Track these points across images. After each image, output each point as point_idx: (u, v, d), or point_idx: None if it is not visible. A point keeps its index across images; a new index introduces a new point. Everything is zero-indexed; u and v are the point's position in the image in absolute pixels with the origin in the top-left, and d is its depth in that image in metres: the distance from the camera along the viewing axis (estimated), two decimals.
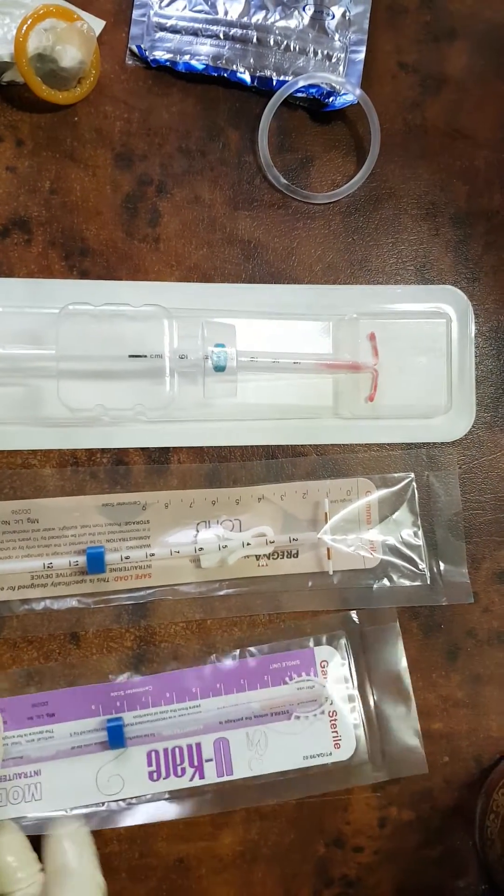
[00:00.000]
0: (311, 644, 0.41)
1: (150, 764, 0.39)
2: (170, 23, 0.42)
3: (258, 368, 0.41)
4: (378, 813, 0.42)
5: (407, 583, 0.42)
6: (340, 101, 0.43)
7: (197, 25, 0.42)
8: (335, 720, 0.41)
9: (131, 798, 0.39)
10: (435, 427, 0.44)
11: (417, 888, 0.42)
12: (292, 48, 0.43)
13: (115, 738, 0.39)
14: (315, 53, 0.43)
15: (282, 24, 0.43)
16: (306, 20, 0.43)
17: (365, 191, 0.44)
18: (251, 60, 0.42)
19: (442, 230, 0.45)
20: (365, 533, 0.42)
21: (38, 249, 0.41)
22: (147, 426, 0.41)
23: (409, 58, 0.45)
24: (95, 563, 0.39)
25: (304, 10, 0.43)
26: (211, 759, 0.40)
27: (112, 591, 0.41)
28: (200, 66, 0.42)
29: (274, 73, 0.42)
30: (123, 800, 0.39)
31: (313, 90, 0.43)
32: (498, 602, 0.44)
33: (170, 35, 0.42)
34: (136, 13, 0.43)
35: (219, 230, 0.43)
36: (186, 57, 0.42)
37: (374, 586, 0.42)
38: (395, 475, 0.43)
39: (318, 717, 0.41)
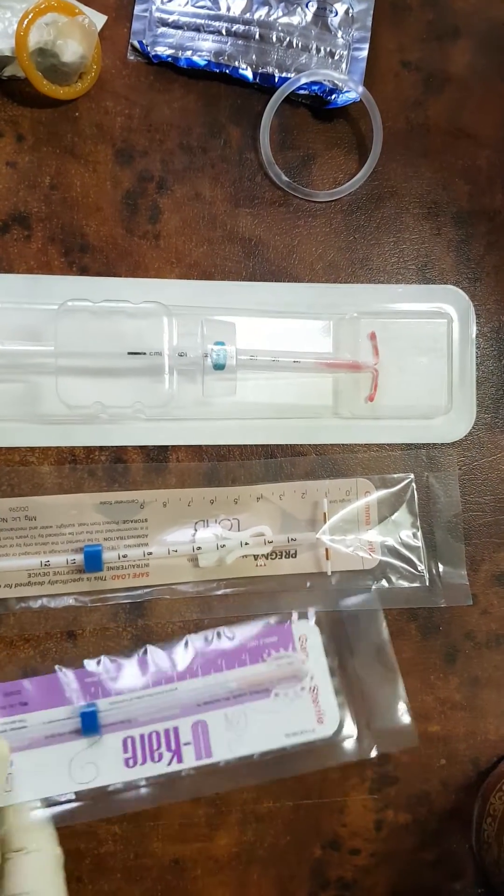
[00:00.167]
0: (293, 619, 0.41)
1: (125, 750, 0.39)
2: (172, 18, 0.42)
3: (258, 367, 0.41)
4: (374, 815, 0.42)
5: (405, 584, 0.42)
6: (343, 99, 0.43)
7: (199, 21, 0.42)
8: (316, 696, 0.40)
9: (106, 786, 0.39)
10: (435, 428, 0.43)
11: (413, 891, 0.42)
12: (295, 45, 0.42)
13: (89, 725, 0.38)
14: (318, 50, 0.43)
15: (284, 20, 0.42)
16: (309, 17, 0.43)
17: (366, 189, 0.44)
18: (253, 57, 0.42)
19: (444, 230, 0.44)
20: (364, 534, 0.42)
21: (38, 245, 0.41)
22: (146, 424, 0.41)
23: (412, 56, 0.45)
24: (93, 561, 0.39)
25: (307, 6, 0.43)
26: (189, 743, 0.39)
27: (109, 589, 0.40)
28: (202, 62, 0.42)
29: (276, 70, 0.42)
30: (97, 788, 0.39)
31: (315, 87, 0.42)
32: (497, 604, 0.43)
33: (172, 30, 0.42)
34: (137, 8, 0.42)
35: (219, 227, 0.43)
36: (188, 53, 0.42)
37: (373, 587, 0.42)
38: (395, 476, 0.43)
39: (298, 693, 0.40)
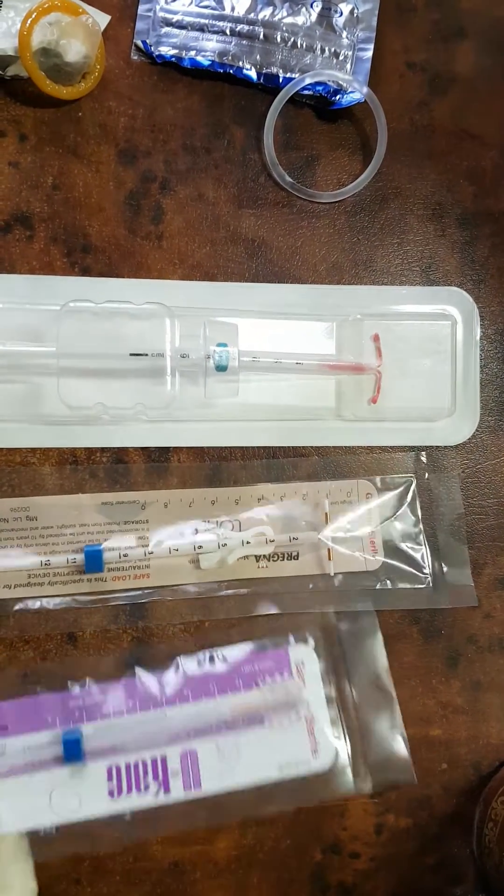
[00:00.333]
0: (291, 642, 0.40)
1: (109, 779, 0.37)
2: (176, 18, 0.42)
3: (260, 368, 0.40)
4: (375, 819, 0.42)
5: (409, 585, 0.42)
6: (347, 100, 0.42)
7: (203, 21, 0.42)
8: (312, 726, 0.39)
9: (88, 818, 0.37)
10: (438, 430, 0.43)
11: (414, 895, 0.42)
12: (299, 45, 0.42)
13: (72, 752, 0.36)
14: (322, 51, 0.42)
15: (289, 20, 0.42)
16: (314, 17, 0.42)
17: (371, 190, 0.44)
18: (257, 57, 0.42)
19: (448, 231, 0.44)
20: (366, 535, 0.42)
21: (40, 245, 0.41)
22: (147, 425, 0.41)
23: (417, 57, 0.44)
24: (93, 561, 0.39)
25: (311, 6, 0.42)
26: (177, 773, 0.37)
27: (110, 590, 0.40)
28: (206, 63, 0.42)
29: (280, 71, 0.42)
30: (78, 822, 0.36)
31: (320, 88, 0.42)
32: (500, 608, 0.43)
33: (176, 30, 0.42)
34: (141, 8, 0.42)
35: (222, 228, 0.42)
36: (192, 53, 0.42)
37: (376, 588, 0.42)
38: (397, 478, 0.43)
39: (293, 722, 0.39)
